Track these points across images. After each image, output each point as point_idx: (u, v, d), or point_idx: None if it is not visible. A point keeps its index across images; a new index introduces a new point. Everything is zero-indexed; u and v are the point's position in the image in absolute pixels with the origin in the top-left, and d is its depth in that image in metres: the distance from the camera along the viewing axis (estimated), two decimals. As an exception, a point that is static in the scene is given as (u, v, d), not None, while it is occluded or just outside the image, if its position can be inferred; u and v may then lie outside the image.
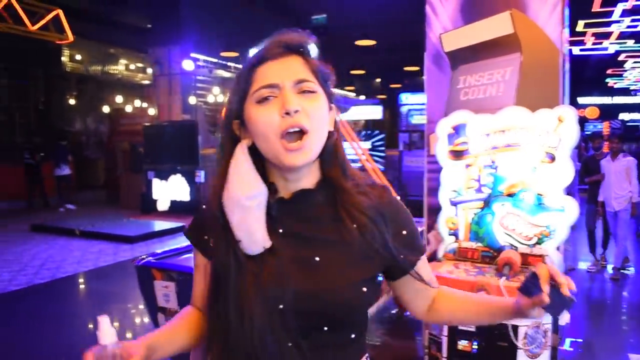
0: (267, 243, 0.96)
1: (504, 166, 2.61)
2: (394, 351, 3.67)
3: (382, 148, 7.36)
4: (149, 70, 14.62)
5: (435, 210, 2.86)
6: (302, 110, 0.93)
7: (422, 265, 1.09)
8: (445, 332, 2.54)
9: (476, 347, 2.51)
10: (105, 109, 15.29)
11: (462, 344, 2.53)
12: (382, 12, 10.43)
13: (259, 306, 0.93)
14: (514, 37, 2.77)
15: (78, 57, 14.87)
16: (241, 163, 0.98)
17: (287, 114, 0.92)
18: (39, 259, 6.71)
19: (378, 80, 19.88)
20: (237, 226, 0.96)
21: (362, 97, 17.82)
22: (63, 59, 14.26)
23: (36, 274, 5.98)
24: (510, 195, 2.61)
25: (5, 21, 8.60)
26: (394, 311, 4.02)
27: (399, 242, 1.03)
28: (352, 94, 18.93)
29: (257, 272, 0.95)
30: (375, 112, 7.95)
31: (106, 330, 0.86)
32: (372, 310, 2.77)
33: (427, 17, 3.06)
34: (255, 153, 0.99)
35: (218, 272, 1.00)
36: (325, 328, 0.96)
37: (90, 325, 4.39)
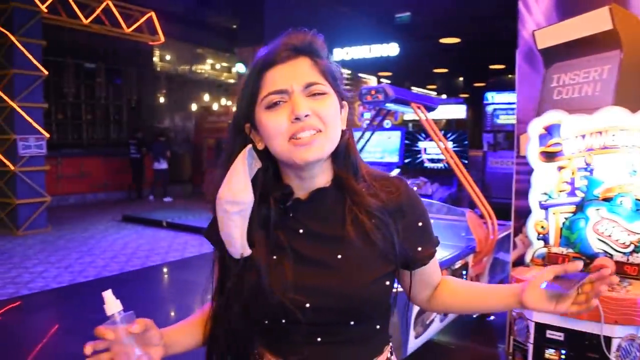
0: (246, 251, 0.97)
1: (601, 169, 2.49)
2: (475, 356, 3.59)
3: (463, 148, 7.18)
4: (234, 69, 15.07)
5: (524, 213, 2.77)
6: (312, 114, 0.92)
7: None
8: (531, 339, 2.46)
9: (564, 357, 2.41)
10: (193, 107, 15.92)
11: (550, 353, 2.44)
12: (468, 8, 10.17)
13: (284, 305, 0.94)
14: (614, 34, 2.63)
15: (168, 57, 15.56)
16: (237, 168, 0.98)
17: (297, 119, 0.91)
18: (130, 248, 7.10)
19: (460, 78, 19.41)
20: (220, 227, 0.99)
21: (444, 96, 17.47)
22: (154, 59, 14.98)
23: (127, 262, 6.34)
24: (606, 199, 2.49)
25: (103, 24, 9.16)
26: (475, 316, 3.93)
27: (414, 234, 1.02)
28: (434, 93, 18.61)
29: (274, 268, 0.96)
30: (459, 111, 7.78)
31: (111, 301, 0.89)
32: (452, 314, 2.73)
33: (519, 13, 2.96)
34: (268, 156, 0.99)
35: (230, 269, 1.01)
36: (352, 322, 0.97)
37: (172, 313, 4.62)
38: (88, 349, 0.86)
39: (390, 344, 1.09)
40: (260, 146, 0.99)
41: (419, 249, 1.02)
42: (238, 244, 0.97)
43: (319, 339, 0.97)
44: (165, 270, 6.33)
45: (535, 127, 2.67)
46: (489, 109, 8.05)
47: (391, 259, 0.98)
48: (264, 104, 0.94)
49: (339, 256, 0.96)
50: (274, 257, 0.97)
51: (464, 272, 2.77)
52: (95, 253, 6.72)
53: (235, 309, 0.98)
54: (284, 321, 0.96)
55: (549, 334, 2.38)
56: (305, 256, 0.97)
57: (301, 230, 0.99)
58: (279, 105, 0.93)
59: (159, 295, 5.61)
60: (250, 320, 1.00)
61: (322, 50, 0.99)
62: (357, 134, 4.55)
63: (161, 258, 6.62)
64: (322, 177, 1.01)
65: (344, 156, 1.02)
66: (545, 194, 2.64)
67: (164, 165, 11.87)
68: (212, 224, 1.11)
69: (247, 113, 0.99)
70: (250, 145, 0.99)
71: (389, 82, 16.07)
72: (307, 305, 0.94)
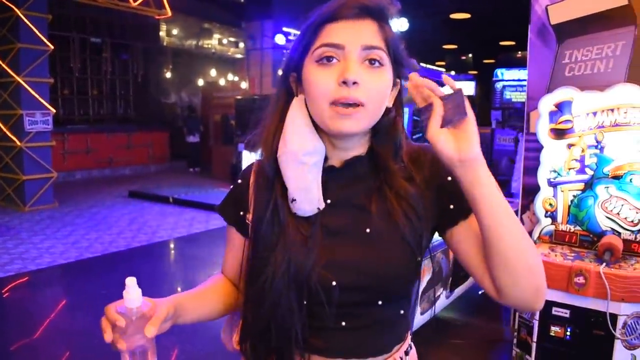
0: (322, 204, 0.91)
1: (611, 147, 2.46)
2: (481, 332, 3.60)
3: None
4: (241, 45, 14.96)
5: (532, 190, 2.75)
6: (361, 84, 0.85)
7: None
8: (536, 316, 2.46)
9: (570, 334, 2.41)
10: (200, 82, 15.85)
11: (555, 330, 2.44)
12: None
13: (308, 283, 0.89)
14: (629, 9, 2.57)
15: (175, 31, 15.45)
16: (299, 118, 0.92)
17: (345, 83, 0.84)
18: (137, 224, 7.14)
19: (470, 55, 19.18)
20: (293, 182, 0.91)
21: (452, 73, 17.29)
22: (161, 33, 14.87)
23: (134, 238, 6.38)
24: (616, 177, 2.46)
25: (109, -3, 9.07)
26: (480, 292, 3.94)
27: (445, 192, 0.93)
28: (443, 69, 18.43)
29: (303, 242, 0.90)
30: (467, 88, 7.70)
31: (133, 293, 0.83)
32: (462, 289, 2.73)
33: (532, -13, 2.90)
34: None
35: (259, 244, 0.94)
36: (380, 302, 0.92)
37: (179, 288, 4.66)
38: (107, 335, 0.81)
39: (411, 332, 1.04)
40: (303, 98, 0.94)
41: (451, 207, 0.93)
42: (316, 197, 0.91)
43: (343, 323, 0.92)
44: (172, 245, 6.37)
45: (546, 103, 2.63)
46: (498, 85, 7.96)
47: (411, 246, 0.92)
48: (315, 56, 0.88)
49: (368, 230, 0.91)
50: (299, 229, 0.92)
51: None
52: (102, 229, 6.76)
53: (283, 283, 0.90)
54: (305, 302, 0.90)
55: (555, 310, 2.38)
56: (333, 229, 0.92)
57: (329, 200, 0.93)
58: (331, 63, 0.87)
59: (165, 270, 5.66)
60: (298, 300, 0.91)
61: (392, 18, 0.92)
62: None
63: (168, 234, 6.66)
64: (357, 150, 0.95)
65: (385, 135, 0.95)
66: (554, 171, 2.62)
67: (196, 138, 12.90)
68: (231, 201, 1.06)
69: (297, 63, 0.93)
70: (303, 96, 0.93)
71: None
72: (334, 283, 0.89)
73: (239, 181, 1.04)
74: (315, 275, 0.89)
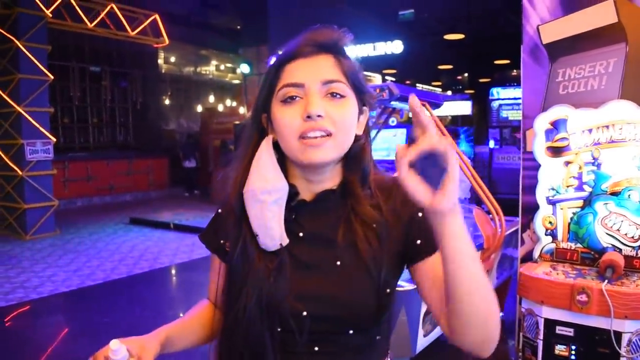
0: (284, 240, 0.93)
1: (608, 163, 2.48)
2: (485, 353, 3.57)
3: (470, 144, 7.17)
4: (239, 70, 15.10)
5: (531, 208, 2.76)
6: (326, 116, 0.89)
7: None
8: (541, 335, 2.45)
9: (574, 352, 2.40)
10: (198, 108, 15.97)
11: (560, 349, 2.43)
12: (472, 3, 10.15)
13: (280, 312, 0.91)
14: (619, 27, 2.61)
15: (172, 59, 15.61)
16: (264, 157, 0.95)
17: (309, 117, 0.88)
18: (138, 250, 7.12)
19: (465, 74, 19.35)
20: (254, 219, 0.94)
21: (449, 93, 17.42)
22: (159, 61, 15.04)
23: (135, 264, 6.37)
24: (614, 193, 2.47)
25: (108, 27, 9.20)
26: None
27: (415, 226, 0.94)
28: (439, 90, 18.57)
29: (271, 275, 0.92)
30: (464, 107, 7.75)
31: (118, 353, 0.85)
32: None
33: (523, 8, 2.95)
34: (279, 151, 0.96)
35: (233, 275, 0.98)
36: (351, 331, 0.92)
37: (181, 314, 4.63)
38: None
39: (390, 355, 1.04)
40: (274, 138, 0.96)
41: (418, 242, 0.94)
42: (277, 234, 0.93)
43: (316, 348, 0.93)
44: (173, 272, 6.35)
45: (541, 122, 2.66)
46: (495, 104, 8.02)
47: (374, 274, 0.92)
48: (280, 97, 0.92)
49: (338, 262, 0.92)
50: (268, 262, 0.94)
51: (472, 269, 2.76)
52: (104, 256, 6.74)
53: (254, 313, 0.92)
54: (279, 330, 0.92)
55: (559, 329, 2.37)
56: (304, 261, 0.94)
57: (301, 234, 0.96)
58: (294, 101, 0.91)
59: (167, 297, 5.62)
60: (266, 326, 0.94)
61: (348, 50, 0.96)
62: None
63: (169, 260, 6.64)
64: (331, 182, 0.98)
65: (355, 161, 0.98)
66: (553, 189, 2.63)
67: (193, 163, 13.08)
68: (211, 227, 1.10)
69: (264, 104, 0.97)
70: (272, 136, 0.97)
71: (393, 79, 16.06)
72: (305, 313, 0.91)
73: (219, 210, 1.08)
74: (287, 306, 0.91)
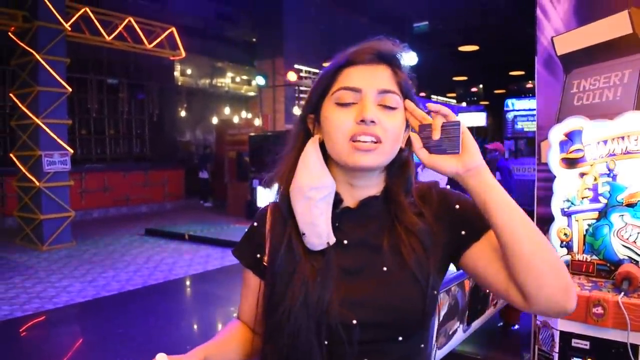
0: (332, 239, 0.94)
1: (624, 174, 2.45)
2: (500, 366, 3.53)
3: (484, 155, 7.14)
4: (254, 82, 15.21)
5: (546, 220, 2.73)
6: (378, 123, 0.91)
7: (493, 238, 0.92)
8: (556, 348, 2.42)
9: (591, 366, 2.36)
10: (214, 120, 16.10)
11: (576, 363, 2.39)
12: (486, 15, 10.14)
13: (328, 322, 0.89)
14: (633, 37, 2.59)
15: (189, 71, 15.77)
16: (311, 155, 0.96)
17: (363, 121, 0.90)
18: (153, 261, 7.17)
19: (480, 86, 19.29)
20: (301, 217, 0.94)
21: (463, 104, 17.37)
22: (175, 73, 15.20)
23: (150, 275, 6.41)
24: (630, 205, 2.44)
25: (125, 40, 9.34)
26: (499, 324, 3.88)
27: (456, 219, 0.97)
28: (454, 101, 18.52)
29: (317, 276, 0.92)
30: (479, 119, 7.72)
31: None
32: (479, 322, 2.70)
33: (537, 20, 2.94)
34: (324, 154, 0.98)
35: (275, 279, 0.96)
36: (400, 338, 0.92)
37: (195, 326, 4.65)
38: None
39: None
40: (320, 139, 0.98)
41: (462, 232, 0.96)
42: (324, 232, 0.94)
43: (365, 359, 0.92)
44: (188, 283, 6.38)
45: (556, 133, 2.64)
46: (509, 115, 7.97)
47: (420, 279, 0.93)
48: (334, 98, 0.94)
49: (384, 268, 0.93)
50: (314, 265, 0.94)
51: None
52: (119, 267, 6.80)
53: (301, 316, 0.90)
54: (326, 342, 0.90)
55: (575, 342, 2.34)
56: (350, 269, 0.94)
57: (345, 242, 0.96)
58: (349, 106, 0.92)
59: (182, 308, 5.64)
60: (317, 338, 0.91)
61: (406, 64, 0.99)
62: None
63: (184, 271, 6.67)
64: (374, 189, 1.00)
65: (398, 172, 1.01)
66: (568, 200, 2.61)
67: (206, 175, 13.51)
68: (245, 241, 1.08)
69: (315, 104, 0.99)
70: (318, 136, 0.98)
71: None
72: (354, 321, 0.90)
73: (255, 224, 1.06)
74: (335, 313, 0.89)
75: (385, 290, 0.92)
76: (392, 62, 0.97)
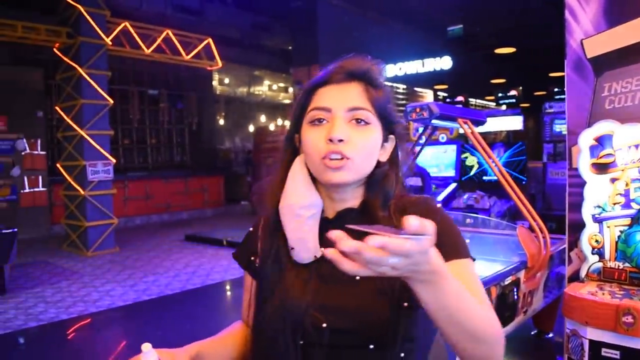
0: (319, 252, 0.98)
1: (656, 180, 2.40)
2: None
3: (522, 159, 6.99)
4: (290, 90, 15.34)
5: (578, 226, 2.69)
6: (347, 141, 0.95)
7: (459, 270, 0.90)
8: (586, 357, 2.38)
9: (626, 376, 2.31)
10: (251, 128, 16.32)
11: (609, 372, 2.34)
12: (521, 16, 9.98)
13: (302, 323, 0.94)
14: (667, 38, 2.54)
15: (226, 80, 16.04)
16: (299, 174, 1.02)
17: (331, 140, 0.94)
18: (192, 267, 7.30)
19: (520, 88, 18.92)
20: (291, 233, 1.00)
21: (503, 107, 17.06)
22: (213, 83, 15.48)
23: (188, 280, 6.54)
24: (664, 211, 2.39)
25: (164, 52, 9.60)
26: (532, 332, 3.81)
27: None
28: (492, 104, 18.23)
29: (301, 286, 0.97)
30: (515, 122, 7.59)
31: (150, 355, 0.93)
32: (508, 329, 2.67)
33: (566, 22, 2.91)
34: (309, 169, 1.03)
35: (262, 285, 1.03)
36: (371, 346, 0.93)
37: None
38: None
39: None
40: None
41: None
42: (312, 247, 0.99)
43: None
44: (224, 288, 6.48)
45: (586, 138, 2.61)
46: (547, 118, 7.80)
47: (386, 292, 0.94)
48: (308, 118, 1.00)
49: (357, 277, 0.92)
50: (297, 274, 1.00)
51: (515, 289, 2.71)
52: (159, 272, 6.97)
53: (276, 321, 0.97)
54: (302, 342, 0.95)
55: (604, 351, 2.29)
56: (326, 275, 0.98)
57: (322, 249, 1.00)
58: (321, 124, 0.98)
59: (217, 312, 5.75)
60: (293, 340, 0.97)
61: (378, 79, 1.02)
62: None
63: (221, 276, 6.78)
64: (352, 201, 1.04)
65: (378, 185, 1.03)
66: (599, 206, 2.56)
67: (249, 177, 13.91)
68: (243, 245, 1.15)
69: (296, 125, 1.05)
70: (303, 155, 1.03)
71: (445, 94, 15.89)
72: (324, 325, 0.94)
73: (251, 229, 1.16)
74: (309, 317, 0.95)
75: (354, 299, 0.95)
76: (364, 79, 1.00)
